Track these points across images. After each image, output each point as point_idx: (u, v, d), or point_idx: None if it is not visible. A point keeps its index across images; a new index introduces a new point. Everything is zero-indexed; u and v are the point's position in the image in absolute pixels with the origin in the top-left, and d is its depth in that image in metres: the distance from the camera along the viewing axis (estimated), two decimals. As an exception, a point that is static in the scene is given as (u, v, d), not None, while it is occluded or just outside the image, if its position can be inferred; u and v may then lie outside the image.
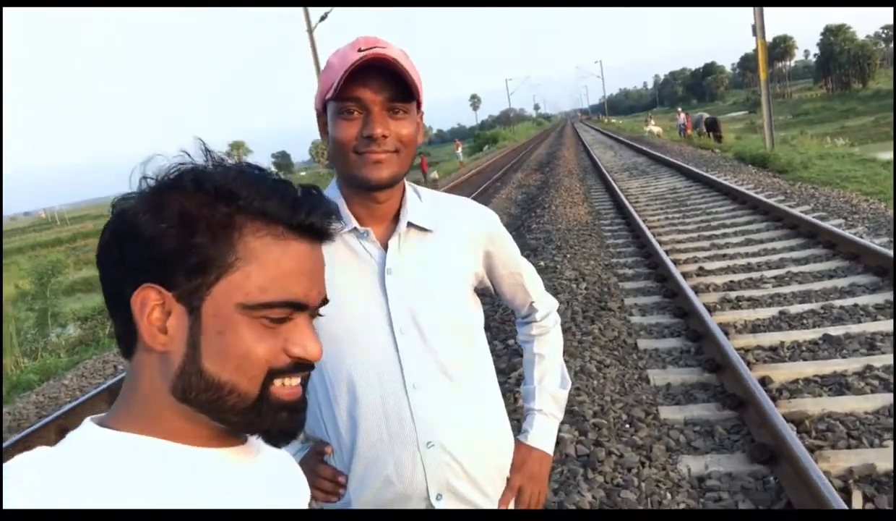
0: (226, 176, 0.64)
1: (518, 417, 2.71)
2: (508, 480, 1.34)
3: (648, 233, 8.06)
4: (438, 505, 1.20)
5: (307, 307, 0.67)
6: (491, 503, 1.29)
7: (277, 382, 0.65)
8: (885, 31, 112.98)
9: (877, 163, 13.40)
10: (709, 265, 6.71)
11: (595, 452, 3.37)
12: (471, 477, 1.24)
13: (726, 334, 4.56)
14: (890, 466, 2.92)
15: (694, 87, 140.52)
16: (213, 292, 0.62)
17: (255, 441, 0.73)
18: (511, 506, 1.34)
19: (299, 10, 20.75)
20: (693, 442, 3.46)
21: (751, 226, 8.21)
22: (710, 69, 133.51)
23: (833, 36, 68.25)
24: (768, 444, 3.16)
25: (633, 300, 5.88)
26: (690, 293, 5.36)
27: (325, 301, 0.70)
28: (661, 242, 7.74)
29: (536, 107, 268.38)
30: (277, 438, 0.68)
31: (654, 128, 34.46)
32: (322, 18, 20.47)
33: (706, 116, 29.24)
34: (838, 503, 2.51)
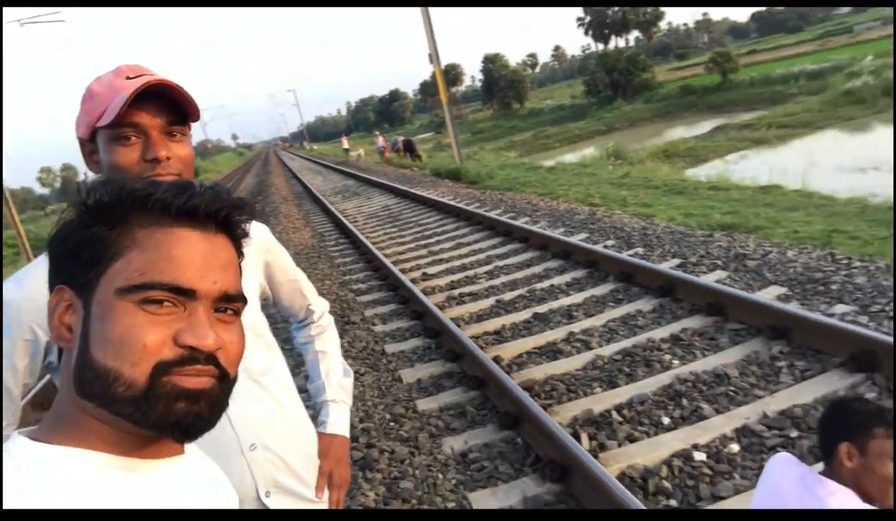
0: (123, 181, 0.67)
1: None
2: (319, 467, 1.46)
3: (373, 248, 8.51)
4: (269, 502, 1.29)
5: (197, 295, 0.65)
6: (310, 491, 1.40)
7: (172, 374, 0.63)
8: (531, 58, 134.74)
9: (543, 169, 15.97)
10: (430, 270, 7.36)
11: (369, 453, 3.53)
12: (293, 471, 1.35)
13: (458, 326, 5.10)
14: (603, 406, 3.61)
15: (383, 112, 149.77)
16: (100, 281, 0.64)
17: (193, 454, 0.72)
18: (325, 490, 1.46)
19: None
20: (451, 425, 3.82)
21: (458, 231, 9.19)
22: (395, 96, 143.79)
23: (491, 63, 78.71)
24: (511, 411, 3.65)
25: (373, 311, 6.20)
26: (422, 296, 5.85)
27: (233, 298, 0.69)
28: (385, 256, 8.23)
29: (234, 137, 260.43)
30: (172, 432, 0.64)
31: (354, 152, 36.07)
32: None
33: (401, 138, 31.53)
34: (574, 444, 3.04)
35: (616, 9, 71.66)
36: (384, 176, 20.15)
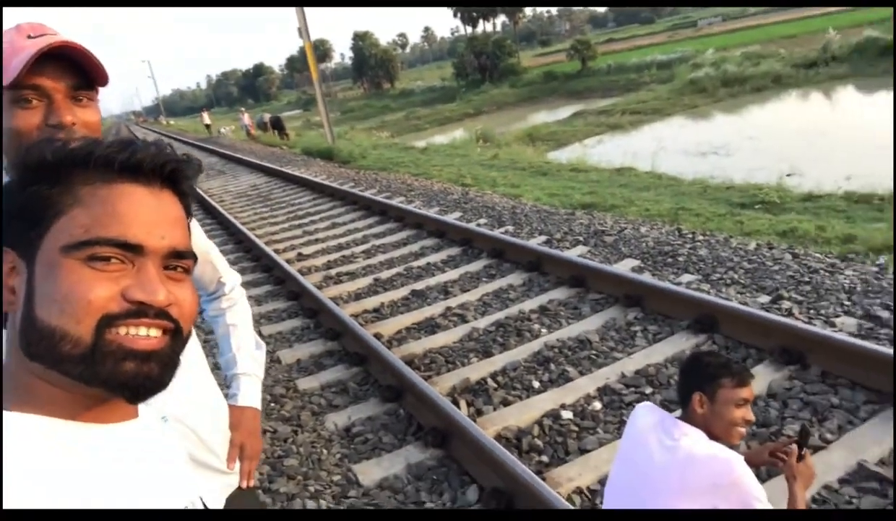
0: (66, 141, 0.65)
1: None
2: (231, 439, 1.46)
3: (244, 228, 8.25)
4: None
5: (145, 251, 0.63)
6: (222, 463, 1.40)
7: (119, 329, 0.62)
8: (401, 38, 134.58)
9: (415, 150, 16.13)
10: (306, 250, 7.27)
11: (251, 435, 3.49)
12: (206, 444, 1.34)
13: (337, 305, 5.12)
14: (479, 375, 3.81)
15: (247, 87, 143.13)
16: (44, 240, 0.62)
17: (146, 417, 0.71)
18: (237, 462, 1.46)
19: None
20: (333, 402, 3.87)
21: (333, 211, 9.12)
22: (260, 70, 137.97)
23: (361, 41, 77.73)
24: (393, 384, 3.76)
25: (247, 293, 6.02)
26: (298, 277, 5.79)
27: (183, 254, 0.67)
28: (257, 236, 8.01)
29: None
30: (122, 391, 0.63)
31: (223, 128, 34.22)
32: None
33: (268, 115, 30.42)
34: (453, 410, 3.20)
35: (483, -7, 73.00)
36: (252, 154, 19.41)
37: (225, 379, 1.60)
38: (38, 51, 1.06)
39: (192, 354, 1.38)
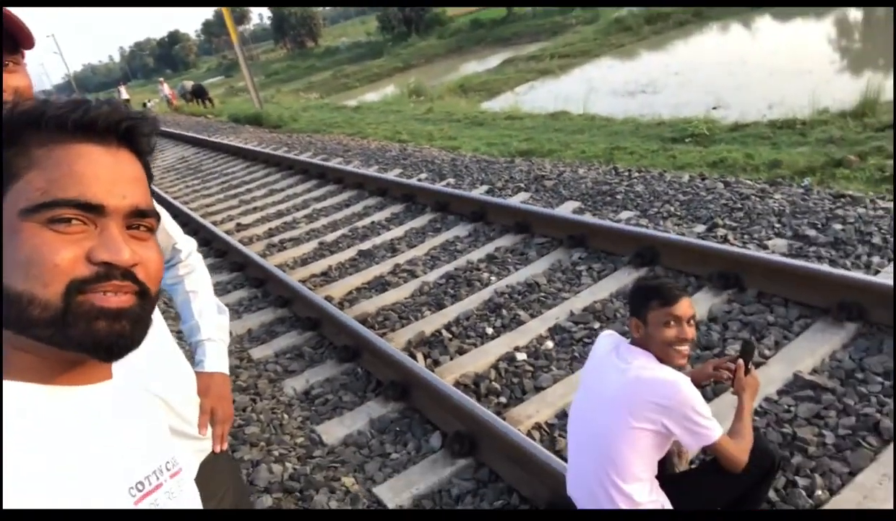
0: (16, 103, 0.62)
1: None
2: (200, 405, 1.45)
3: (176, 203, 7.98)
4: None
5: (106, 211, 0.62)
6: (193, 429, 1.40)
7: (89, 292, 0.61)
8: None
9: (348, 109, 15.81)
10: (245, 220, 7.11)
11: (209, 409, 3.45)
12: (178, 413, 1.33)
13: (284, 271, 5.05)
14: (433, 327, 3.85)
15: (164, 57, 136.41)
16: (1, 204, 0.61)
17: (120, 378, 0.71)
18: (208, 427, 1.46)
19: None
20: (289, 368, 3.85)
21: (269, 178, 8.91)
22: (175, 38, 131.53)
23: (280, -1, 74.78)
24: (349, 344, 3.76)
25: (188, 268, 5.88)
26: (240, 246, 5.67)
27: (146, 213, 0.66)
28: (192, 210, 7.77)
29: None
30: (95, 351, 0.63)
31: (150, 101, 32.50)
32: None
33: (190, 83, 29.16)
34: (411, 362, 3.24)
35: (402, -58, 71.07)
36: (176, 126, 18.65)
37: (189, 346, 1.58)
38: None
39: (159, 325, 1.36)
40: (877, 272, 3.34)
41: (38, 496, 0.56)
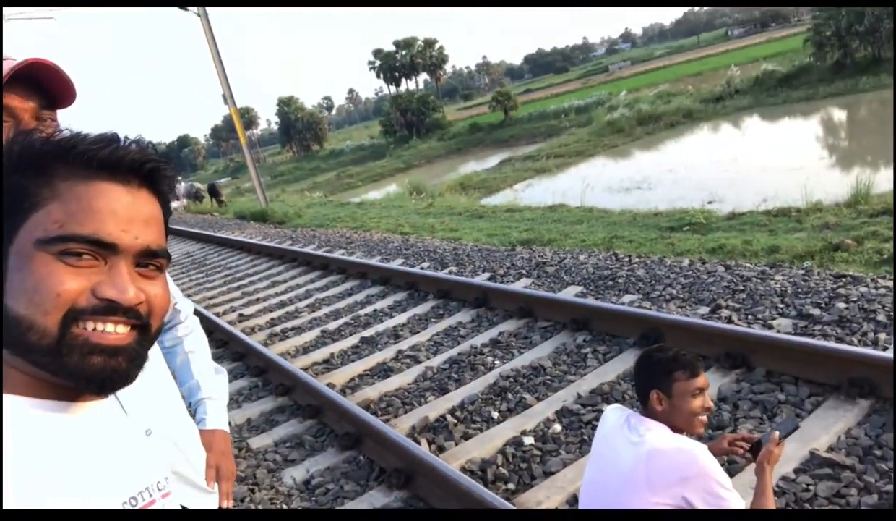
0: (52, 134, 0.65)
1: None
2: (206, 459, 1.43)
3: (180, 295, 8.00)
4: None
5: (118, 249, 0.64)
6: (203, 480, 1.37)
7: (86, 324, 0.63)
8: (326, 100, 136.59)
9: (351, 205, 16.15)
10: (247, 311, 7.10)
11: (205, 498, 3.33)
12: (189, 459, 1.30)
13: (285, 359, 4.99)
14: (438, 412, 3.77)
15: (172, 159, 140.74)
16: (19, 232, 0.62)
17: (111, 403, 0.72)
18: (214, 483, 1.43)
19: None
20: (288, 457, 3.74)
21: (273, 270, 8.97)
22: (185, 141, 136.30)
23: (287, 106, 78.04)
24: (351, 431, 3.67)
25: (188, 358, 5.82)
26: (241, 336, 5.64)
27: (157, 253, 0.68)
28: (195, 302, 7.77)
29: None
30: (88, 385, 0.64)
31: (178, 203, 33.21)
32: None
33: (197, 184, 29.90)
34: (416, 448, 3.15)
35: (404, 52, 75.05)
36: (181, 223, 18.98)
37: (189, 406, 1.56)
38: (13, 69, 1.05)
39: (163, 371, 1.35)
40: (885, 348, 3.30)
41: (33, 505, 0.58)
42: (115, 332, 0.64)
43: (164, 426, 1.24)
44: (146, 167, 0.68)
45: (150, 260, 0.68)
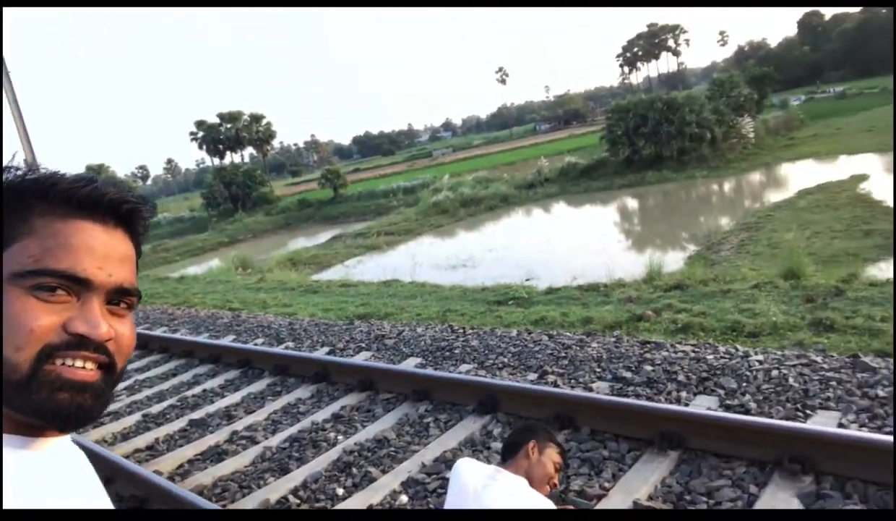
0: (31, 172, 0.65)
1: None
2: None
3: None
4: None
5: (92, 286, 0.65)
6: None
7: (57, 360, 0.63)
8: (141, 170, 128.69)
9: (171, 280, 15.18)
10: (50, 397, 6.34)
11: None
12: None
13: (101, 446, 4.52)
14: (279, 494, 3.63)
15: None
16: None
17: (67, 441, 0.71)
18: None
19: None
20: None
21: (80, 351, 8.13)
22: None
23: (96, 174, 72.39)
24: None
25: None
26: (47, 424, 5.02)
27: (129, 292, 0.68)
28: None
29: None
30: (53, 420, 0.64)
31: None
32: None
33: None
34: (260, 530, 3.01)
35: (229, 126, 73.35)
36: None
37: None
38: None
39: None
40: (686, 404, 3.79)
41: None
42: (84, 368, 0.64)
43: None
44: (124, 208, 0.69)
45: (121, 298, 0.69)
